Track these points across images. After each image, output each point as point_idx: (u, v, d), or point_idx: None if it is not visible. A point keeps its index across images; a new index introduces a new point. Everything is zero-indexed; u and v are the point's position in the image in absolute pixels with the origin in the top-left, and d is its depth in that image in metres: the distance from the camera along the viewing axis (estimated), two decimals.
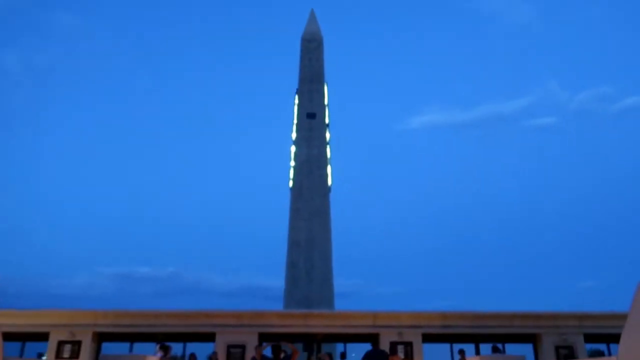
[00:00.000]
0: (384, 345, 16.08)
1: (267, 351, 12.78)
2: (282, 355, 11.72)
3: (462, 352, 14.28)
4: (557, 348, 17.98)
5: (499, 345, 18.10)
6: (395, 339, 17.62)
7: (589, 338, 18.32)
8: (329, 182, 59.83)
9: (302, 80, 57.00)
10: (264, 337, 18.36)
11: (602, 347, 18.77)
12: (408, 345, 17.74)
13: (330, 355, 15.05)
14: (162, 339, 18.25)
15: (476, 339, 18.63)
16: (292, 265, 58.21)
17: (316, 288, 50.93)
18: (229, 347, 17.70)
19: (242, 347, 17.36)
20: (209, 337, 17.92)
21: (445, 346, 18.80)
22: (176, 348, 17.73)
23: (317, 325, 18.07)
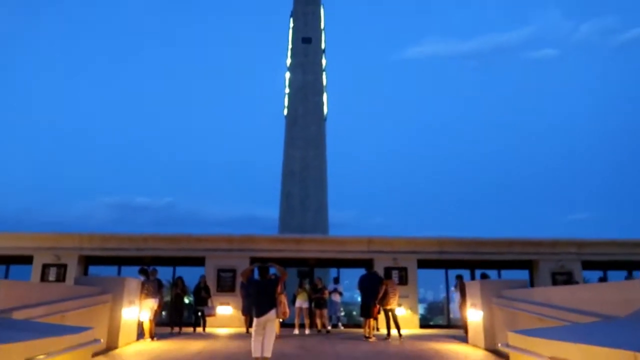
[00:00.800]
0: (379, 271, 15.68)
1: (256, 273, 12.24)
2: (269, 277, 11.19)
3: (459, 277, 13.85)
4: (554, 274, 17.70)
5: (488, 272, 17.86)
6: (389, 264, 17.22)
7: (587, 265, 18.01)
8: (325, 110, 57.96)
9: (297, 1, 53.59)
10: (254, 262, 17.88)
11: (599, 274, 18.52)
12: (403, 271, 17.38)
13: (320, 280, 14.61)
14: (150, 263, 17.77)
15: (471, 265, 18.29)
16: (287, 195, 57.69)
17: (311, 217, 50.79)
18: (219, 271, 17.28)
19: (233, 272, 16.92)
20: (199, 262, 17.45)
21: (440, 272, 18.50)
22: (165, 272, 17.32)
23: (310, 250, 17.59)
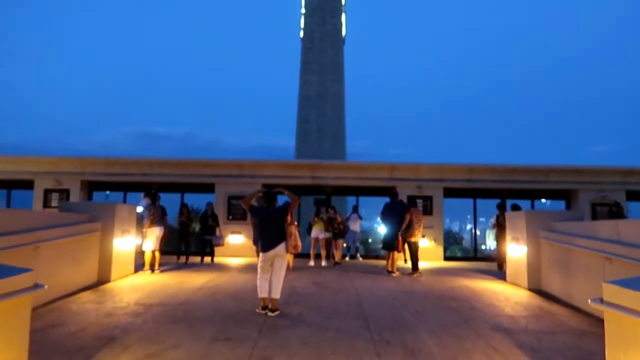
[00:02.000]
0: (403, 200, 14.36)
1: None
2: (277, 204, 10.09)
3: (501, 207, 12.17)
4: (595, 205, 16.15)
5: (520, 203, 16.44)
6: (413, 192, 15.84)
7: (631, 196, 16.36)
8: (343, 32, 54.28)
9: None
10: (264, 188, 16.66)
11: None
12: (427, 200, 16.02)
13: (334, 209, 13.33)
14: (158, 190, 16.70)
15: (502, 195, 16.80)
16: (303, 121, 55.63)
17: (328, 145, 49.23)
18: (230, 198, 16.14)
19: (241, 198, 15.71)
20: (208, 188, 16.29)
21: (468, 202, 17.10)
22: (173, 199, 16.25)
23: (326, 177, 16.22)
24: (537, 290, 8.41)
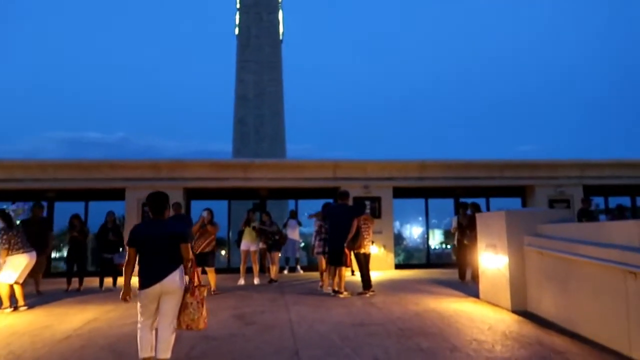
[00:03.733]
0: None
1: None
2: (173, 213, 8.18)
3: (474, 206, 10.28)
4: (552, 202, 14.95)
5: (475, 201, 15.07)
6: (360, 194, 13.92)
7: (589, 191, 15.32)
8: (281, 29, 51.91)
9: None
10: (190, 194, 14.20)
11: (599, 200, 15.95)
12: (376, 202, 14.16)
13: (269, 215, 11.13)
14: (55, 199, 13.79)
15: (456, 193, 15.28)
16: (239, 122, 52.63)
17: (266, 147, 46.68)
18: (144, 205, 13.50)
19: (176, 205, 13.14)
20: (118, 195, 13.58)
21: (419, 202, 15.42)
22: (72, 208, 13.40)
23: (261, 177, 13.97)
24: (522, 311, 6.60)
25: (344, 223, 8.34)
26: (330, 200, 12.55)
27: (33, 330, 6.02)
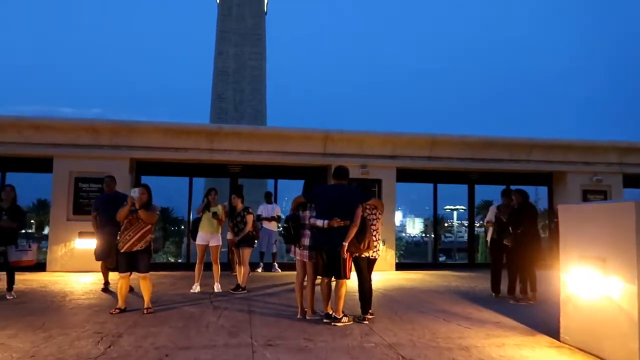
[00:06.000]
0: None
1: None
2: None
3: (521, 193, 7.34)
4: (586, 193, 12.33)
5: (492, 189, 12.48)
6: (356, 175, 11.00)
7: (630, 181, 12.76)
8: (265, 1, 48.27)
9: None
10: (140, 167, 11.13)
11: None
12: (375, 185, 11.33)
13: (238, 198, 8.07)
14: None
15: (470, 179, 12.56)
16: (218, 98, 48.98)
17: (246, 124, 43.44)
18: (78, 181, 10.41)
19: (99, 182, 10.10)
20: (43, 165, 10.45)
21: (427, 187, 12.65)
22: None
23: (231, 149, 10.96)
24: None
25: (341, 212, 5.41)
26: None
27: None
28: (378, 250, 5.87)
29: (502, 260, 7.89)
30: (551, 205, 12.85)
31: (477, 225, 16.38)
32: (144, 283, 6.04)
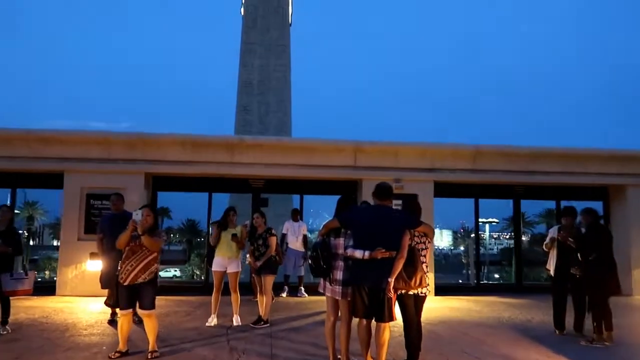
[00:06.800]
0: (368, 200, 8.17)
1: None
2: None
3: (591, 216, 6.22)
4: None
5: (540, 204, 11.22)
6: None
7: None
8: (290, 10, 47.98)
9: None
10: (156, 183, 10.36)
11: None
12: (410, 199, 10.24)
13: (262, 216, 7.13)
14: None
15: (515, 194, 11.37)
16: (242, 110, 48.64)
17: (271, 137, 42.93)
18: (89, 197, 9.67)
19: (119, 197, 9.34)
20: (54, 181, 9.77)
21: (468, 203, 11.50)
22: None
23: (253, 163, 10.08)
24: None
25: (384, 240, 4.40)
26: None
27: None
28: (428, 285, 4.82)
29: (567, 291, 6.72)
30: (607, 223, 11.53)
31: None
32: (149, 322, 5.12)
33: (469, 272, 14.08)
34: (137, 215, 4.97)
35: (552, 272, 6.88)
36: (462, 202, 11.79)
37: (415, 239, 4.66)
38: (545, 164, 10.73)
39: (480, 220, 11.72)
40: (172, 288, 10.28)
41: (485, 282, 14.49)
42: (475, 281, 11.46)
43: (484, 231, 45.95)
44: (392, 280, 4.29)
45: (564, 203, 11.87)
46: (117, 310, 5.13)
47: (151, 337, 5.13)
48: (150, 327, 5.13)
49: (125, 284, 5.00)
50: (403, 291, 4.57)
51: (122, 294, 5.08)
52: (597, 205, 11.94)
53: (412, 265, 4.42)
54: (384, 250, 4.30)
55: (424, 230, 4.75)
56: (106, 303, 5.75)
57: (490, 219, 43.25)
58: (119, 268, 5.10)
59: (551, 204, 12.40)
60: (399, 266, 4.34)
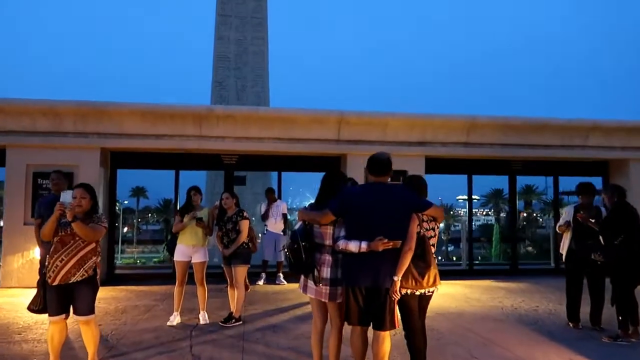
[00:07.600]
0: (354, 177, 7.05)
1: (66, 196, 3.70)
2: None
3: (618, 192, 5.38)
4: None
5: (532, 179, 10.39)
6: None
7: None
8: None
9: None
10: (114, 159, 9.18)
11: None
12: (399, 177, 9.31)
13: (232, 197, 6.07)
14: None
15: (512, 169, 10.53)
16: (218, 85, 47.17)
17: None
18: (37, 176, 8.46)
19: (65, 177, 8.08)
20: None
21: (460, 179, 10.65)
22: None
23: (224, 137, 8.96)
24: None
25: (386, 227, 3.41)
26: None
27: None
28: (440, 283, 3.84)
29: (582, 279, 5.91)
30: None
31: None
32: (87, 330, 4.07)
33: (461, 251, 13.31)
34: (67, 196, 3.85)
35: (563, 256, 6.05)
36: (447, 179, 10.94)
37: (425, 224, 3.68)
38: (546, 136, 9.87)
39: (460, 197, 10.95)
40: (138, 274, 9.21)
41: (476, 262, 13.80)
42: (468, 265, 10.66)
43: (463, 207, 45.67)
44: (398, 278, 3.33)
45: (561, 179, 11.16)
46: (48, 316, 4.05)
47: (90, 349, 4.10)
48: (89, 336, 4.08)
49: (55, 283, 3.92)
50: (409, 291, 3.60)
51: (51, 297, 4.00)
52: (597, 181, 11.22)
53: (424, 259, 3.47)
54: (386, 240, 3.32)
55: (434, 213, 3.76)
56: (30, 308, 4.33)
57: (473, 197, 42.87)
58: (46, 264, 4.02)
59: (547, 180, 11.59)
60: (407, 260, 3.38)
